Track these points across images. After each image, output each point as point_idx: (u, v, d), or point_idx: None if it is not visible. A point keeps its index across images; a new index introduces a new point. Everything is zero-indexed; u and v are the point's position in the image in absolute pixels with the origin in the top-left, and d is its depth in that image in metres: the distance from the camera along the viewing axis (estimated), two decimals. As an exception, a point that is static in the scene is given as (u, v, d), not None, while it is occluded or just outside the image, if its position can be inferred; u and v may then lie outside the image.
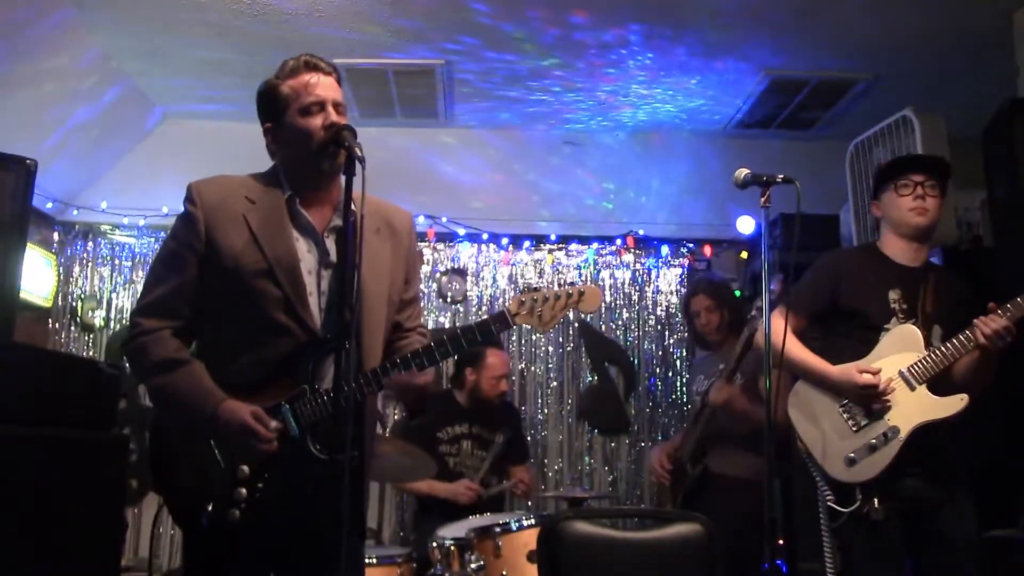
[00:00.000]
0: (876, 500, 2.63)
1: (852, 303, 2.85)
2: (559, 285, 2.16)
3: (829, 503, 2.69)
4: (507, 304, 2.12)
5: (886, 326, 2.79)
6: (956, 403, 2.66)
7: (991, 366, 2.70)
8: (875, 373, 2.69)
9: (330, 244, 2.12)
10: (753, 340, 3.27)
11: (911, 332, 2.75)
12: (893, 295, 2.81)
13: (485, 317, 2.14)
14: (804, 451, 2.79)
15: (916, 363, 2.70)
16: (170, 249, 2.10)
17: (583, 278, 5.41)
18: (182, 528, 2.09)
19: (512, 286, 5.37)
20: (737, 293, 4.78)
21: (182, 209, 2.10)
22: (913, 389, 2.69)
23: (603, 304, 5.41)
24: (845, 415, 2.75)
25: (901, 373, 2.71)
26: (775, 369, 2.31)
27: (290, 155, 2.12)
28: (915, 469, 2.68)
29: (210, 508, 1.98)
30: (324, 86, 2.09)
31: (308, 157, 2.07)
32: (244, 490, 1.98)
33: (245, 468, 2.00)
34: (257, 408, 1.99)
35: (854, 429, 2.72)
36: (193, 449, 2.01)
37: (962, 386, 2.71)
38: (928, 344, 2.74)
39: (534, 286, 2.19)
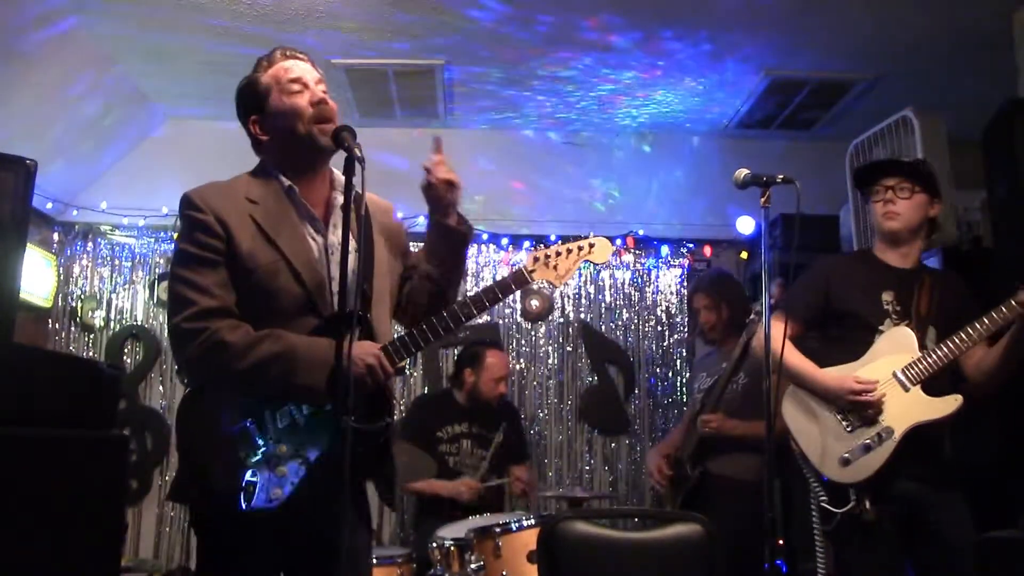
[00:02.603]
0: (868, 501, 2.63)
1: (844, 305, 2.85)
2: (570, 241, 2.27)
3: (823, 504, 2.70)
4: (523, 263, 2.21)
5: (880, 327, 2.80)
6: (951, 404, 2.67)
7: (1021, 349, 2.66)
8: (870, 385, 2.70)
9: (333, 231, 2.13)
10: (750, 347, 3.28)
11: (905, 334, 2.76)
12: (886, 296, 2.82)
13: (502, 277, 2.21)
14: (798, 452, 2.79)
15: (910, 364, 2.70)
16: (195, 255, 2.02)
17: (583, 277, 5.42)
18: (206, 519, 2.04)
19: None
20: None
21: (185, 219, 2.05)
22: (907, 390, 2.70)
23: (603, 304, 5.42)
24: (839, 416, 2.75)
25: (895, 374, 2.71)
26: (775, 375, 2.32)
27: (279, 139, 2.11)
28: (909, 470, 2.68)
29: (250, 486, 1.94)
30: (301, 68, 2.14)
31: (298, 136, 2.08)
32: (286, 468, 1.97)
33: (284, 447, 1.98)
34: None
35: (849, 430, 2.72)
36: (227, 433, 1.97)
37: (980, 381, 2.73)
38: (923, 346, 2.74)
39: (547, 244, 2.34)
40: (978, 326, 2.64)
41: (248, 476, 1.95)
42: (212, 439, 1.98)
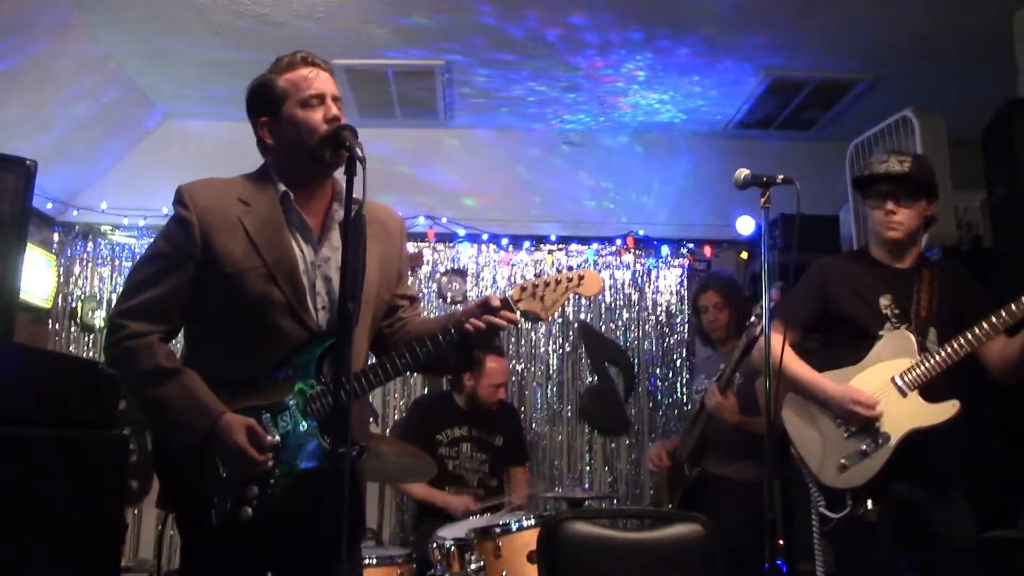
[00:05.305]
0: (870, 502, 2.63)
1: (843, 311, 2.85)
2: (558, 271, 2.15)
3: (821, 509, 2.69)
4: (509, 292, 2.12)
5: (880, 332, 2.79)
6: (948, 409, 2.66)
7: None
8: (871, 400, 2.69)
9: (326, 241, 2.11)
10: (751, 349, 3.27)
11: (904, 338, 2.75)
12: (884, 300, 2.81)
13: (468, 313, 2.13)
14: (797, 457, 2.79)
15: (908, 370, 2.70)
16: (162, 252, 2.05)
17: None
18: (187, 530, 2.06)
19: (511, 287, 5.35)
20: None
21: (172, 213, 2.07)
22: (905, 396, 2.69)
23: (603, 304, 5.41)
24: (838, 421, 2.75)
25: (893, 380, 2.71)
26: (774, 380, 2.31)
27: (288, 148, 2.09)
28: (907, 474, 2.68)
29: (222, 505, 1.95)
30: (322, 80, 2.09)
31: (309, 150, 2.05)
32: (256, 487, 1.96)
33: None
34: (253, 423, 1.95)
35: (846, 435, 2.72)
36: (197, 448, 1.97)
37: (1006, 372, 2.69)
38: (923, 349, 2.73)
39: (535, 274, 2.24)
40: (977, 331, 2.62)
41: (219, 492, 1.96)
42: (183, 454, 1.98)
